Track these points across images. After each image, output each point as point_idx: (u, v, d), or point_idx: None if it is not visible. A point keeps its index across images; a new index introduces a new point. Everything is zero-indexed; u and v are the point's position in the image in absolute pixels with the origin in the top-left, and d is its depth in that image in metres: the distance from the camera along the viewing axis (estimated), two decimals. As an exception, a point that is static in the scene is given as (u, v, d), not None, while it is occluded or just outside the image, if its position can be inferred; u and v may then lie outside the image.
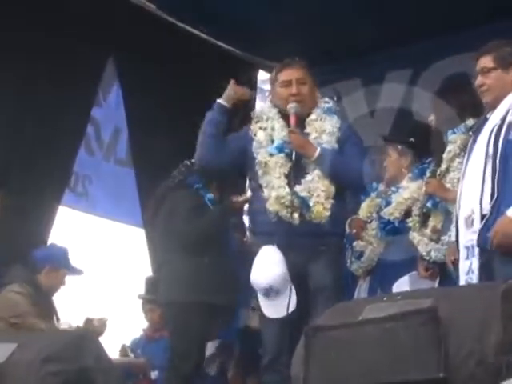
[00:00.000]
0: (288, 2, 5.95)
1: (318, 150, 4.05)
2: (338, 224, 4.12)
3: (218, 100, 4.25)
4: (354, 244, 4.75)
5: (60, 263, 5.30)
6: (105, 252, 7.19)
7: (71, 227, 6.84)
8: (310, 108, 4.17)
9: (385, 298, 3.17)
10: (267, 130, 4.14)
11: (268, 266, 3.99)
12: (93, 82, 6.45)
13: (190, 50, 6.72)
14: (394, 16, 6.02)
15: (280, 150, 4.10)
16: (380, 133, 5.42)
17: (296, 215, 4.02)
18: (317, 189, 4.03)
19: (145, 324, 6.50)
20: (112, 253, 6.82)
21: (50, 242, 5.76)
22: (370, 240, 4.70)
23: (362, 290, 4.77)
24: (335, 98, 4.45)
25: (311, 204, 4.00)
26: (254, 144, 4.15)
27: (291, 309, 3.97)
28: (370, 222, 4.79)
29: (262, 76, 7.27)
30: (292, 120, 4.11)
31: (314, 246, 4.02)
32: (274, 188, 4.05)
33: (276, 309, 3.98)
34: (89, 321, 5.10)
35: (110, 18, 6.22)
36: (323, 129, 4.11)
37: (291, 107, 4.14)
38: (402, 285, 4.41)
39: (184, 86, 6.68)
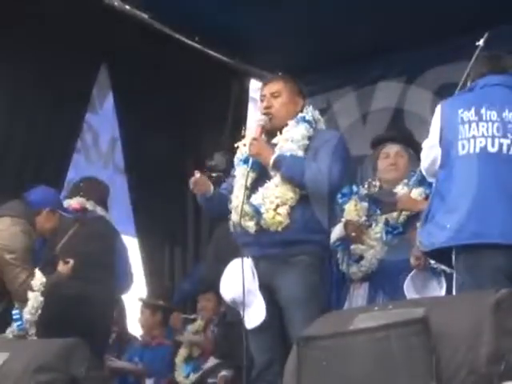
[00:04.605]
0: (280, 10, 5.95)
1: (274, 156, 4.04)
2: (314, 231, 4.03)
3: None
4: (353, 247, 4.69)
5: (57, 206, 5.04)
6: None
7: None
8: (285, 119, 4.17)
9: (376, 308, 3.18)
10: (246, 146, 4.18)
11: (230, 280, 4.02)
12: (85, 88, 6.46)
13: (183, 59, 6.73)
14: (387, 24, 6.04)
15: (245, 161, 4.14)
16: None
17: (250, 224, 4.02)
18: (271, 195, 3.99)
19: (140, 331, 6.52)
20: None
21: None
22: (371, 244, 4.65)
23: (358, 295, 4.70)
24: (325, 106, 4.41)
25: (263, 211, 4.00)
26: (235, 160, 4.20)
27: (260, 318, 3.97)
28: (370, 225, 4.74)
29: (254, 85, 7.28)
30: (257, 131, 4.15)
31: (285, 255, 3.99)
32: (233, 199, 4.10)
33: (250, 319, 3.99)
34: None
35: (102, 26, 6.23)
36: (287, 137, 4.11)
37: (258, 120, 4.20)
38: (409, 284, 4.37)
39: (176, 95, 6.70)
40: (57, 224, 5.01)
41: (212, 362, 5.74)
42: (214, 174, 4.88)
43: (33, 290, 4.62)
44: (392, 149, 4.74)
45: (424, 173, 3.96)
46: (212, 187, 4.20)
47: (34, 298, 4.62)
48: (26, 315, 4.60)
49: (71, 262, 4.83)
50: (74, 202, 5.28)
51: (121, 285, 5.45)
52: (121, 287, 5.53)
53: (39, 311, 4.62)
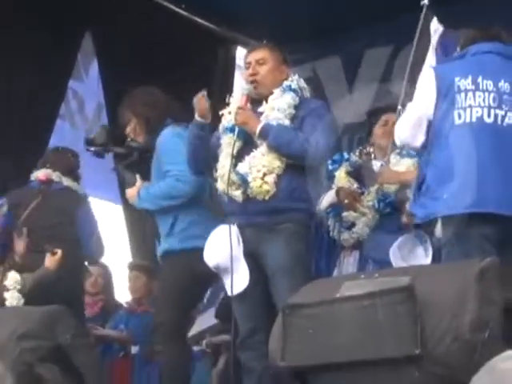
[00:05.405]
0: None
1: (261, 125, 4.02)
2: (299, 199, 4.04)
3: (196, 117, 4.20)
4: (345, 214, 4.69)
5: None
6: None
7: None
8: (271, 87, 4.14)
9: (362, 276, 3.19)
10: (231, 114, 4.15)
11: (214, 245, 4.02)
12: (69, 55, 6.41)
13: (169, 26, 6.68)
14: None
15: (231, 130, 4.11)
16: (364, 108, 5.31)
17: (237, 192, 4.02)
18: (258, 164, 3.99)
19: (127, 296, 6.52)
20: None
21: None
22: (364, 211, 4.65)
23: (348, 264, 4.70)
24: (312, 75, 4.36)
25: (249, 180, 3.99)
26: (220, 128, 4.16)
27: (243, 284, 3.98)
28: (362, 193, 4.74)
29: (241, 52, 7.23)
30: (242, 100, 4.12)
31: (271, 223, 3.99)
32: (220, 168, 4.09)
33: (234, 285, 3.99)
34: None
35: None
36: (274, 106, 4.09)
37: (243, 89, 4.17)
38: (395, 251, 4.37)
39: (162, 62, 6.65)
40: None
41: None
42: (92, 148, 4.82)
43: (8, 290, 4.57)
44: (391, 117, 4.74)
45: (396, 134, 3.83)
46: (210, 117, 4.14)
47: (11, 297, 4.56)
48: None
49: (59, 252, 4.77)
50: (40, 174, 5.26)
51: (88, 256, 5.39)
52: (88, 259, 5.47)
53: None
